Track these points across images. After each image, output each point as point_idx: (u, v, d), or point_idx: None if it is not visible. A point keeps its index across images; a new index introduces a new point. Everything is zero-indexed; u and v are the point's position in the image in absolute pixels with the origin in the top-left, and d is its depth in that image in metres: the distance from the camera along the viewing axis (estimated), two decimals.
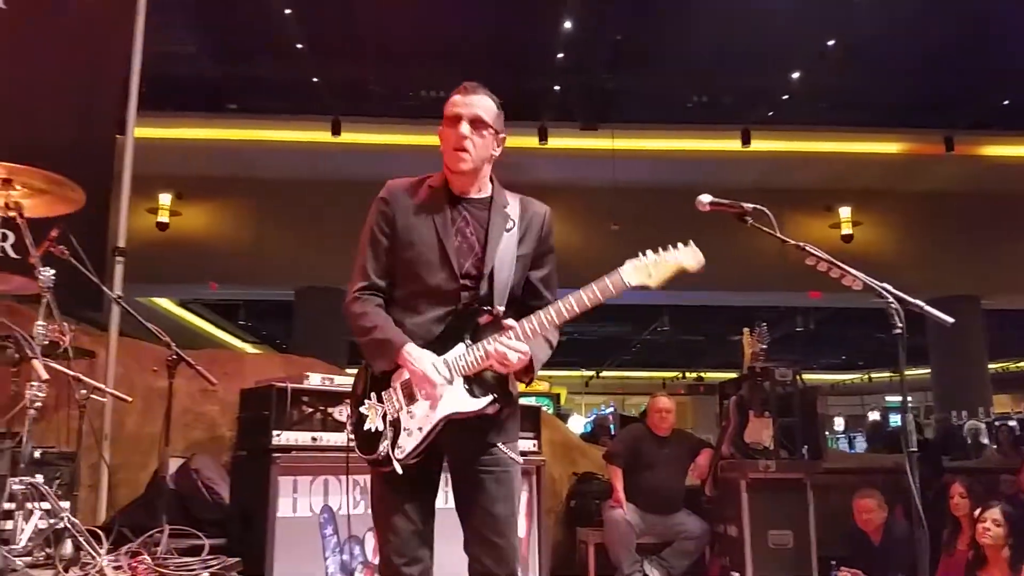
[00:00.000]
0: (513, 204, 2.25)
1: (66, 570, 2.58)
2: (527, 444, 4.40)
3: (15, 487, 2.52)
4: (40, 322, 2.69)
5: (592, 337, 17.61)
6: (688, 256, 2.11)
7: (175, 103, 9.94)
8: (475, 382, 2.11)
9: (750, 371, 5.02)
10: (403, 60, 9.81)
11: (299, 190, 11.35)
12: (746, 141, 10.32)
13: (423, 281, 2.16)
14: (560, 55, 9.75)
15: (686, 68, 9.59)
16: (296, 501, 3.42)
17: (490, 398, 2.09)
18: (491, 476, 2.12)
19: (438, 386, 2.05)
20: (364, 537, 3.60)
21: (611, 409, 16.83)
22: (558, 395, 18.90)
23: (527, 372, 2.12)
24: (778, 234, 2.28)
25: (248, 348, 16.81)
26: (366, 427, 2.13)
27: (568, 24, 9.03)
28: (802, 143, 10.76)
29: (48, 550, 2.69)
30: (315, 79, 10.45)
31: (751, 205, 2.30)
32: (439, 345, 2.11)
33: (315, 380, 3.68)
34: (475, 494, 2.12)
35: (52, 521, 2.64)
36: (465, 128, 2.14)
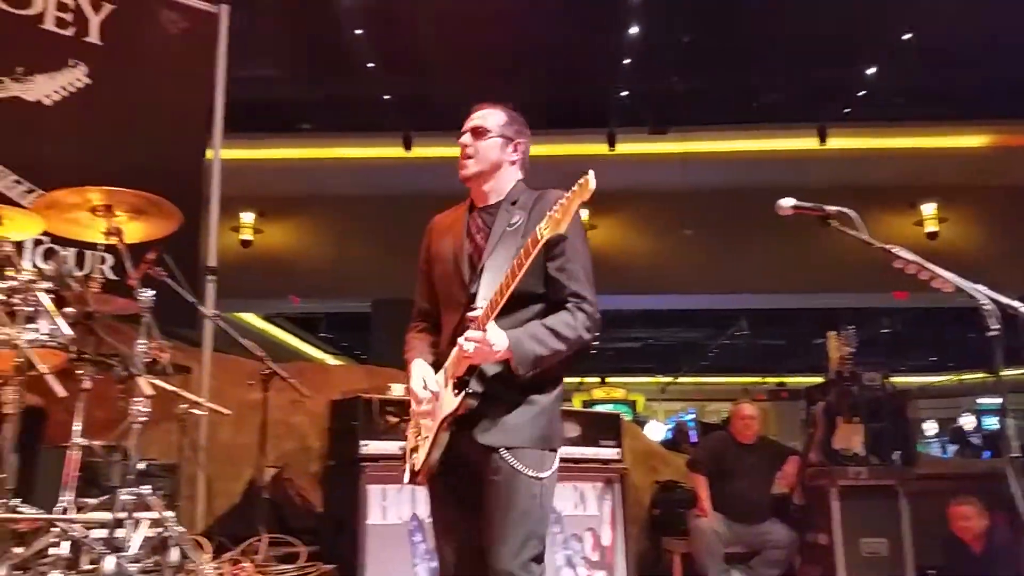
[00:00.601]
0: (526, 199, 2.22)
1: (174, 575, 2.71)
2: (609, 452, 4.39)
3: (124, 498, 2.65)
4: (141, 341, 2.83)
5: (667, 342, 17.39)
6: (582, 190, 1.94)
7: (254, 125, 10.28)
8: (461, 384, 2.02)
9: (837, 376, 4.89)
10: (469, 73, 9.93)
11: (373, 205, 11.60)
12: (823, 139, 10.06)
13: (445, 294, 2.23)
14: (626, 60, 9.71)
15: (757, 66, 9.42)
16: (385, 509, 3.50)
17: (460, 396, 2.00)
18: (491, 484, 2.00)
19: (423, 399, 2.08)
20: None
21: (691, 415, 16.57)
22: (635, 402, 18.70)
23: (524, 364, 1.98)
24: (864, 236, 2.22)
25: (329, 359, 17.21)
26: (407, 446, 2.19)
27: (634, 28, 8.99)
28: (881, 139, 10.42)
29: (155, 557, 2.83)
30: (386, 96, 10.70)
31: (835, 208, 2.25)
32: (450, 354, 2.10)
33: (398, 391, 3.77)
34: (480, 499, 2.02)
35: (159, 530, 2.76)
36: (466, 137, 2.25)
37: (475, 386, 2.00)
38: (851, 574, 4.45)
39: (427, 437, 2.04)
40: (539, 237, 1.89)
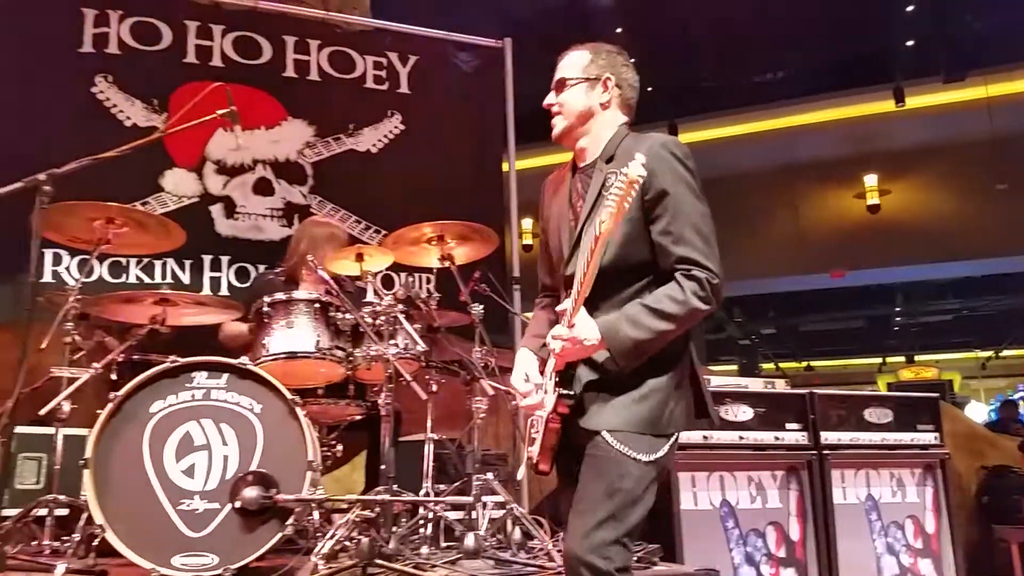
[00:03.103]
0: (624, 150, 1.90)
1: (518, 551, 3.10)
2: (927, 437, 4.16)
3: (475, 483, 3.10)
4: (477, 348, 3.29)
5: (986, 312, 15.50)
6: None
7: (534, 136, 10.93)
8: (562, 380, 1.84)
9: None
10: (735, 49, 9.73)
11: None
12: None
13: (558, 270, 2.01)
14: (910, 7, 8.90)
15: None
16: (696, 495, 3.66)
17: (556, 396, 1.82)
18: (586, 459, 1.82)
19: (525, 393, 1.93)
20: (765, 530, 3.73)
21: (1021, 393, 14.63)
22: (950, 381, 16.90)
23: (624, 355, 1.77)
24: None
25: None
26: (526, 437, 2.04)
27: None
28: None
29: (499, 536, 3.26)
30: (649, 88, 10.83)
31: None
32: None
33: None
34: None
35: (503, 511, 3.19)
36: (549, 96, 2.03)
37: (572, 387, 1.82)
38: None
39: (539, 431, 1.89)
40: (597, 234, 1.66)
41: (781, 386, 4.17)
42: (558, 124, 2.00)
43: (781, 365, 18.66)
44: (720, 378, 4.21)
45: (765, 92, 10.50)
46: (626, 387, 1.81)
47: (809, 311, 15.11)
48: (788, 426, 3.93)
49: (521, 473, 2.09)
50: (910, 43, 9.68)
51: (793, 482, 3.89)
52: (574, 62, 2.02)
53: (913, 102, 9.91)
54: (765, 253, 11.28)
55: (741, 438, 3.79)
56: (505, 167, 5.19)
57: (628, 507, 1.74)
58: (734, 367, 17.33)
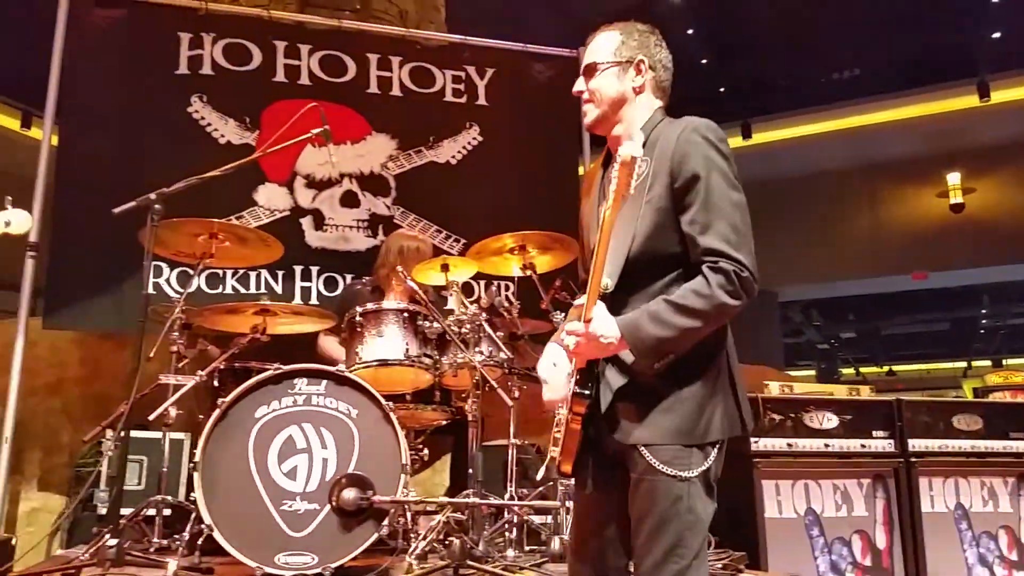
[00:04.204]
0: (656, 140, 1.79)
1: None
2: (1020, 445, 4.05)
3: (560, 487, 3.17)
4: None
5: None
6: None
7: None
8: (582, 378, 1.72)
9: None
10: (809, 46, 9.57)
11: None
12: None
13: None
14: None
15: None
16: (780, 503, 3.65)
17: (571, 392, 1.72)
18: (632, 485, 1.70)
19: (544, 388, 1.83)
20: (851, 539, 3.69)
21: None
22: None
23: (646, 354, 1.65)
24: None
25: None
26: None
27: None
28: None
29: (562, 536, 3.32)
30: (721, 88, 10.72)
31: None
32: None
33: (774, 389, 3.91)
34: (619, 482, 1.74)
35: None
36: (578, 83, 1.90)
37: (591, 386, 1.71)
38: None
39: (561, 431, 1.77)
40: (600, 222, 1.60)
41: (866, 393, 4.11)
42: (590, 112, 1.88)
43: (862, 370, 18.16)
44: (802, 385, 4.17)
45: (841, 89, 10.29)
46: (658, 396, 1.70)
47: (890, 314, 14.70)
48: (875, 433, 3.89)
49: (541, 473, 2.03)
50: (996, 35, 9.34)
51: (880, 490, 3.84)
52: (604, 45, 1.89)
53: (999, 96, 9.56)
54: (843, 255, 11.04)
55: (827, 446, 3.77)
56: (581, 172, 5.25)
57: (689, 530, 1.64)
58: (812, 372, 16.96)
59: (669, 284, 1.71)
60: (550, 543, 3.08)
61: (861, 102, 10.30)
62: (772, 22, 9.16)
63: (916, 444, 3.91)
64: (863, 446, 3.83)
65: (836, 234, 11.09)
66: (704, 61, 10.11)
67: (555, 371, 1.81)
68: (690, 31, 9.57)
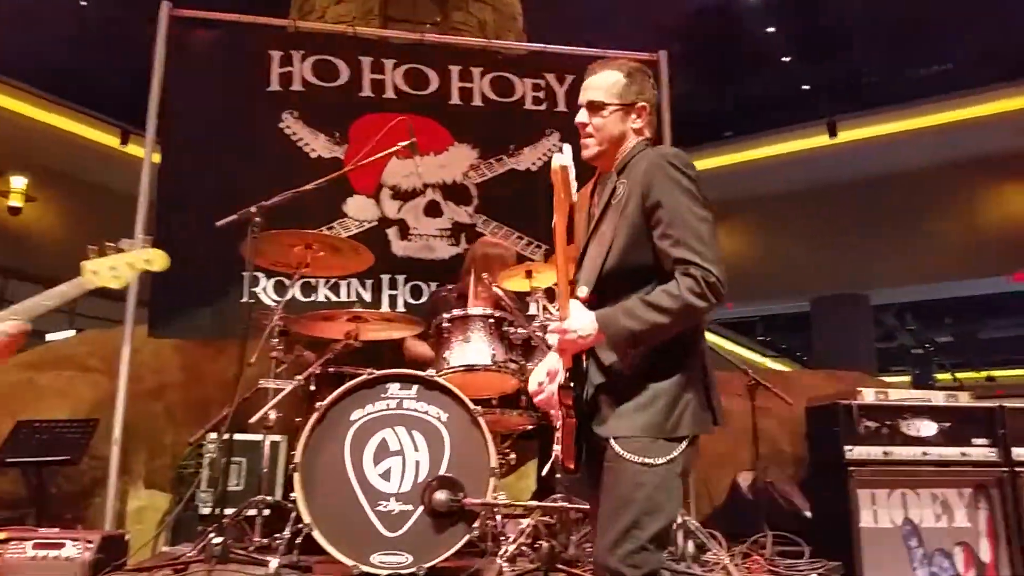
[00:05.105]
0: (633, 165, 1.99)
1: (692, 564, 3.13)
2: None
3: None
4: None
5: None
6: None
7: (689, 140, 10.77)
8: (574, 374, 1.92)
9: None
10: (897, 41, 9.26)
11: (800, 199, 11.40)
12: None
13: None
14: None
15: None
16: (876, 513, 3.55)
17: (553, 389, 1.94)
18: (603, 472, 1.87)
19: (537, 390, 2.01)
20: (952, 551, 3.55)
21: None
22: None
23: (619, 343, 1.84)
24: None
25: (768, 363, 17.13)
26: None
27: None
28: None
29: (670, 548, 3.29)
30: (805, 87, 10.47)
31: None
32: None
33: (869, 396, 3.80)
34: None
35: (677, 523, 3.22)
36: (582, 115, 2.05)
37: (578, 382, 1.91)
38: None
39: (560, 428, 1.95)
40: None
41: (965, 399, 3.95)
42: (591, 147, 2.06)
43: (958, 375, 17.37)
44: (897, 391, 4.03)
45: (932, 85, 9.90)
46: (632, 392, 1.87)
47: (989, 316, 14.02)
48: (975, 441, 3.74)
49: (546, 469, 2.18)
50: None
51: (983, 500, 3.69)
52: (607, 83, 2.05)
53: None
54: (938, 255, 10.61)
55: (924, 454, 3.65)
56: None
57: (647, 514, 1.78)
58: (907, 378, 16.32)
59: (645, 294, 1.88)
60: None
61: (953, 97, 9.88)
62: (858, 17, 8.91)
63: (1021, 453, 3.73)
64: (963, 454, 3.69)
65: (930, 234, 10.66)
66: (786, 59, 9.91)
67: (546, 377, 1.99)
68: (770, 29, 9.40)
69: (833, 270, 10.92)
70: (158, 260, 2.23)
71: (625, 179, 1.97)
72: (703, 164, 11.50)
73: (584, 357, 1.94)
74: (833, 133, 10.63)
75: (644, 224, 1.90)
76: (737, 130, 11.54)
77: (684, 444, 1.85)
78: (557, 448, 1.96)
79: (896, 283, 11.15)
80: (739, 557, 3.20)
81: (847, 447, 3.56)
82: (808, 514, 4.00)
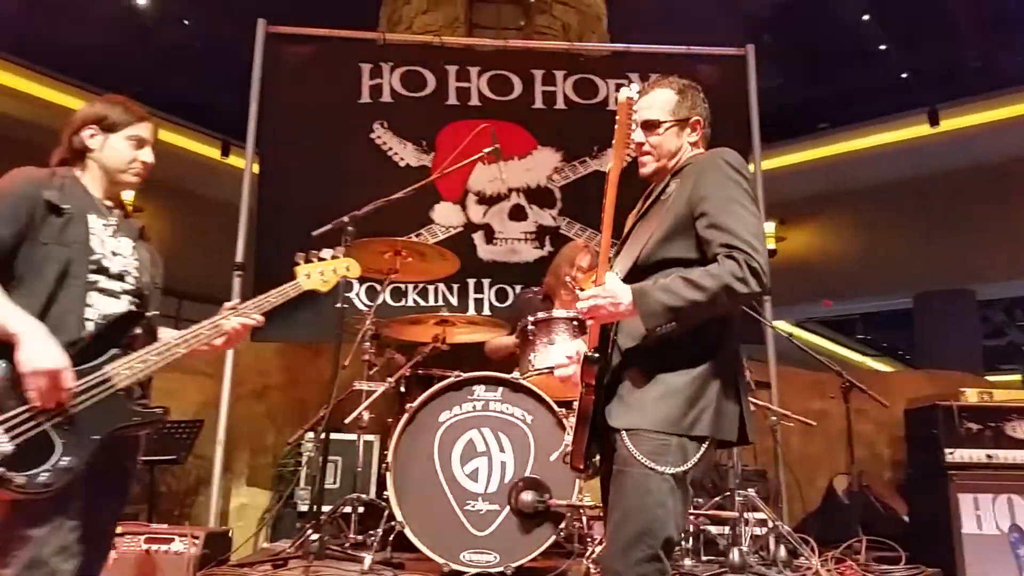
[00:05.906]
0: (686, 166, 2.01)
1: (784, 569, 3.08)
2: None
3: (737, 498, 3.13)
4: None
5: None
6: None
7: (776, 133, 10.51)
8: (599, 351, 1.87)
9: None
10: (1001, 25, 8.77)
11: (900, 190, 10.90)
12: None
13: None
14: None
15: None
16: (980, 518, 3.40)
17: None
18: (616, 472, 1.82)
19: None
20: None
21: None
22: None
23: (652, 317, 1.77)
24: None
25: (869, 362, 16.47)
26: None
27: None
28: None
29: (761, 553, 3.25)
30: (904, 75, 10.04)
31: None
32: None
33: (972, 396, 3.64)
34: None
35: (764, 528, 3.18)
36: (638, 135, 2.02)
37: (601, 355, 1.84)
38: None
39: (573, 423, 1.91)
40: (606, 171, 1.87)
41: None
42: (649, 164, 2.07)
43: None
44: (1002, 391, 3.85)
45: None
46: (652, 384, 1.81)
47: None
48: None
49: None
50: None
51: None
52: (660, 101, 2.07)
53: None
54: None
55: None
56: (751, 168, 5.10)
57: (658, 521, 1.74)
58: (1017, 376, 15.40)
59: None
60: (728, 553, 3.05)
61: None
62: (958, 1, 8.48)
63: None
64: None
65: None
66: (883, 47, 9.53)
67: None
68: (865, 17, 9.06)
69: (937, 264, 10.41)
70: (354, 268, 2.39)
71: (678, 179, 1.99)
72: (798, 157, 11.18)
73: (611, 339, 1.89)
74: (935, 122, 10.16)
75: (688, 215, 1.88)
76: (833, 121, 11.17)
77: (702, 449, 1.79)
78: (567, 439, 1.94)
79: (1003, 277, 10.54)
80: (832, 562, 3.13)
81: (948, 450, 3.43)
82: (906, 518, 3.87)
